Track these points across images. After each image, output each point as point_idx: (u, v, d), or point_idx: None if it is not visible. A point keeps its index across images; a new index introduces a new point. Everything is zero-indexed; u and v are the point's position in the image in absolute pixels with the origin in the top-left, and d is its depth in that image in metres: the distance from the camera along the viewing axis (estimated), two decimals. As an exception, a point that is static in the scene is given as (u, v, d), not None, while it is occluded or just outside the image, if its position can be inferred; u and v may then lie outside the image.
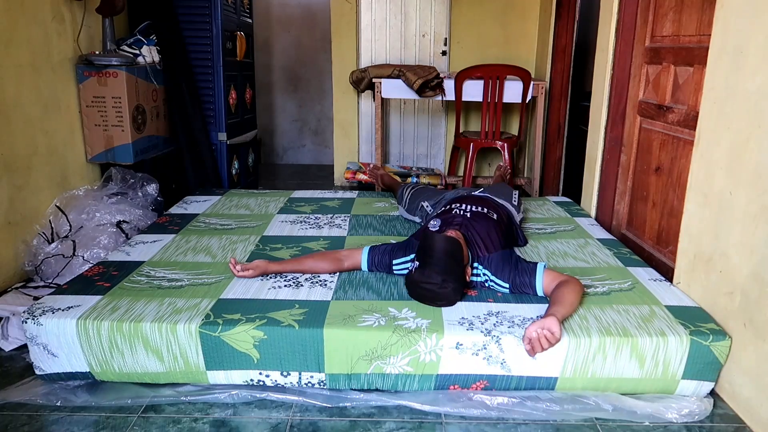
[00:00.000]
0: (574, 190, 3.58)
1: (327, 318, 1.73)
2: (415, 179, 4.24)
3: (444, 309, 1.81)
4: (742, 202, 1.72)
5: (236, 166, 3.93)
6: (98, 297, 1.86)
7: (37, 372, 1.76)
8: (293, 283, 1.99)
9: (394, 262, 2.06)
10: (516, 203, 2.52)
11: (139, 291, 1.92)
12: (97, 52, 2.97)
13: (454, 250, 1.82)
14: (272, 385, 1.75)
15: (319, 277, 2.05)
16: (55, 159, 2.78)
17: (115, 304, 1.81)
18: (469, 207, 2.17)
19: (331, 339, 1.67)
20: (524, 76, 3.75)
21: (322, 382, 1.73)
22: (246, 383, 1.75)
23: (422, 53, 4.64)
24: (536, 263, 1.94)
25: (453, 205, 2.22)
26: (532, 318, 1.76)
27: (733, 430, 1.63)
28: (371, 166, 3.79)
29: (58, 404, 1.69)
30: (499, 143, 3.84)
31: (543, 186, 4.33)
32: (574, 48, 4.00)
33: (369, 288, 1.97)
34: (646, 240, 2.57)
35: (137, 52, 3.14)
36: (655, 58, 2.52)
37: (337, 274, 2.08)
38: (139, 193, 3.03)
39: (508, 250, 2.04)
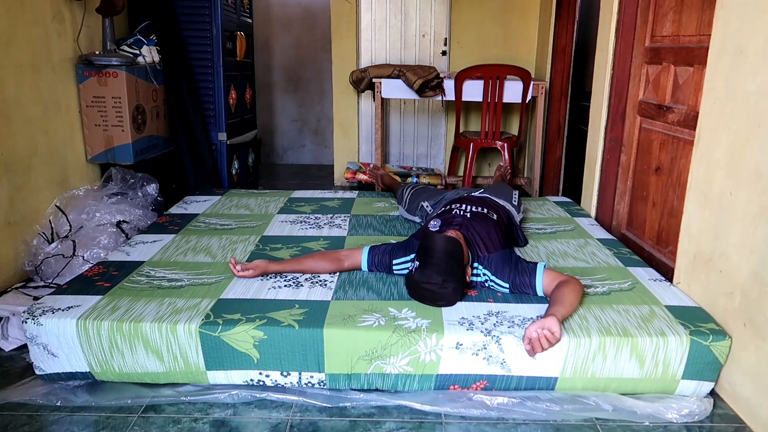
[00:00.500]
0: (574, 190, 3.58)
1: (327, 318, 1.73)
2: (415, 179, 4.24)
3: (444, 309, 1.81)
4: (742, 202, 1.72)
5: (236, 166, 3.93)
6: (98, 297, 1.86)
7: (37, 372, 1.76)
8: (293, 283, 1.99)
9: (394, 262, 2.06)
10: (516, 203, 2.52)
11: (139, 291, 1.92)
12: (97, 52, 2.97)
13: (454, 251, 1.82)
14: (272, 385, 1.75)
15: (319, 277, 2.05)
16: (55, 159, 2.78)
17: (115, 304, 1.81)
18: (469, 207, 2.17)
19: (331, 339, 1.67)
20: (524, 76, 3.75)
21: (322, 382, 1.73)
22: (246, 383, 1.75)
23: (422, 53, 4.64)
24: (536, 263, 1.94)
25: (453, 206, 2.22)
26: (532, 318, 1.76)
27: (733, 430, 1.63)
28: (371, 166, 3.79)
29: (58, 404, 1.69)
30: (499, 143, 3.84)
31: (543, 186, 4.33)
32: (574, 48, 4.00)
33: (369, 288, 1.97)
34: (646, 240, 2.57)
35: (137, 52, 3.14)
36: (655, 58, 2.52)
37: (337, 274, 2.07)
38: (139, 193, 3.03)
39: (508, 250, 2.04)
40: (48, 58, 2.72)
